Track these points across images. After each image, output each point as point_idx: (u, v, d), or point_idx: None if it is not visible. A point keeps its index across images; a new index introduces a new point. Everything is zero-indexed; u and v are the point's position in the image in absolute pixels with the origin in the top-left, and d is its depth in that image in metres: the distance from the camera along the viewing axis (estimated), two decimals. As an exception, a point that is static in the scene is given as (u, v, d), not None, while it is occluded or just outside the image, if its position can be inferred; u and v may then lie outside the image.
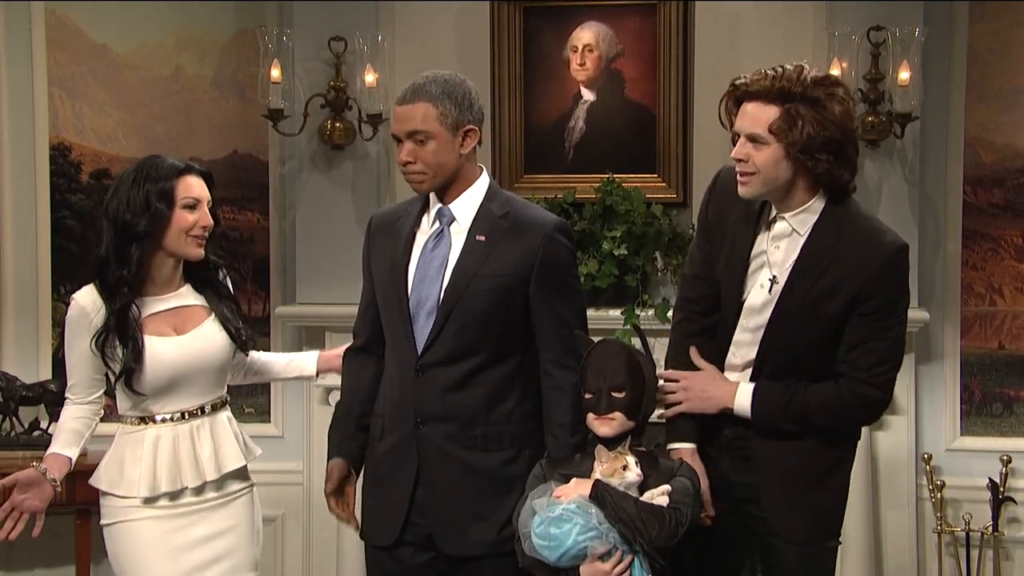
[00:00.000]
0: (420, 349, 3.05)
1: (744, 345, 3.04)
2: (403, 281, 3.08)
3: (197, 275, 3.25)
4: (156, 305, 3.18)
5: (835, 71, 4.48)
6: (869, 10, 4.56)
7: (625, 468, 2.82)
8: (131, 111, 5.10)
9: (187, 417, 3.18)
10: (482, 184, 3.11)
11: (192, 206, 3.14)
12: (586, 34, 4.77)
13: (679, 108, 4.70)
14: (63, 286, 5.00)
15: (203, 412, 3.21)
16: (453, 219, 3.09)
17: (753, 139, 2.88)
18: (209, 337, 3.20)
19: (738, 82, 2.94)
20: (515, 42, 4.79)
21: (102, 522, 3.21)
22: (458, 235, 3.08)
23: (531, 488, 2.94)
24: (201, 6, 5.06)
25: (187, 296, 3.23)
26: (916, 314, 4.53)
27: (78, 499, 4.62)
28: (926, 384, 4.80)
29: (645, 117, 4.77)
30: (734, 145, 2.95)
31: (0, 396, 4.89)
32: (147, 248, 3.13)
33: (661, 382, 3.07)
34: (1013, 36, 4.76)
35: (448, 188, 3.08)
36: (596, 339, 3.05)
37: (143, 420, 3.17)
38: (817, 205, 2.93)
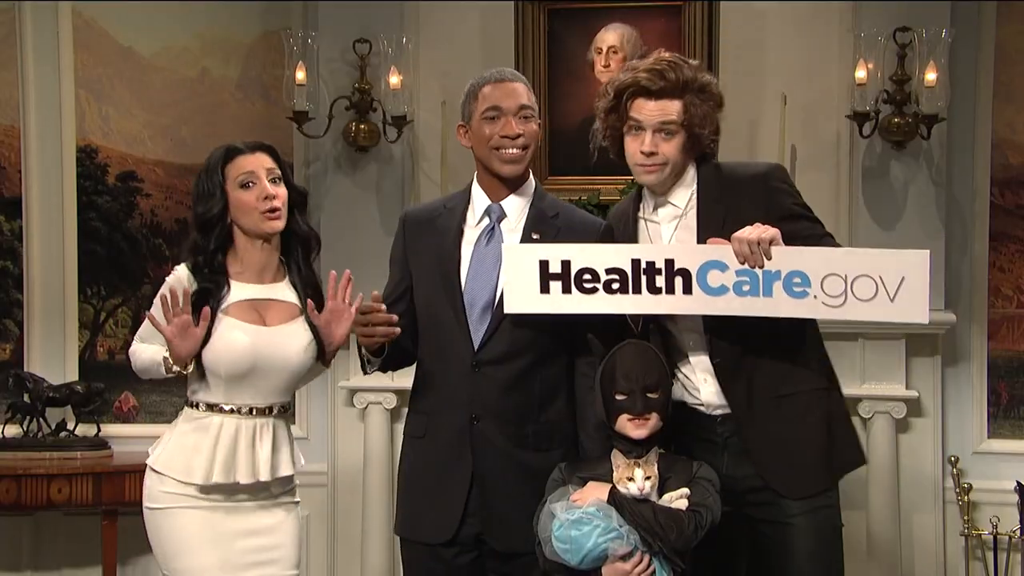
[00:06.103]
0: (476, 345, 3.05)
1: (689, 330, 3.05)
2: (455, 277, 3.08)
3: (294, 269, 3.18)
4: (248, 292, 3.13)
5: (861, 72, 4.47)
6: (895, 11, 4.54)
7: (630, 479, 2.80)
8: (157, 113, 5.13)
9: (254, 413, 3.12)
10: (530, 185, 3.17)
11: (247, 184, 3.10)
12: (611, 36, 4.75)
13: (704, 109, 4.69)
14: (89, 288, 5.00)
15: (270, 412, 3.14)
16: (503, 216, 3.11)
17: (662, 130, 2.99)
18: (292, 335, 3.12)
19: (641, 80, 3.00)
20: (540, 44, 4.79)
21: (148, 505, 3.13)
22: (509, 232, 3.10)
23: (550, 492, 2.93)
24: (226, 8, 5.09)
25: (282, 291, 3.17)
26: (943, 316, 4.51)
27: (104, 500, 4.67)
28: (953, 386, 4.78)
29: (670, 118, 4.75)
30: (619, 137, 3.05)
31: (27, 397, 4.92)
32: (223, 235, 3.11)
33: None
34: (1041, 37, 4.74)
35: (509, 182, 3.12)
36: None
37: (211, 408, 3.12)
38: (692, 173, 3.07)
